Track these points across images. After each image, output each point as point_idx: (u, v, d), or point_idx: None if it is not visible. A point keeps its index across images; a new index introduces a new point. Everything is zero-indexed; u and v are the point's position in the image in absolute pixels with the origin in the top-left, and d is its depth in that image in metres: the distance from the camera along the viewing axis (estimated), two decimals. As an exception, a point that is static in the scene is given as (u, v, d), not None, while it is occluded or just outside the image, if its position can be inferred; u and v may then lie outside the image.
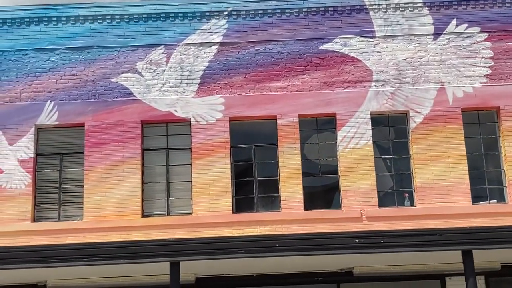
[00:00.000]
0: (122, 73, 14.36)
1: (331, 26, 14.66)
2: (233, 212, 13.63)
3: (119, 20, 14.68)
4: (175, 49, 14.51)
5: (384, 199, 13.88)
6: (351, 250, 11.29)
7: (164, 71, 14.40)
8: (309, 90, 14.28)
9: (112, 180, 13.70)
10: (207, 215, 13.50)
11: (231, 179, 13.82)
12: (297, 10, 14.74)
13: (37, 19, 14.60)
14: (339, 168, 13.92)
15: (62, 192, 13.87)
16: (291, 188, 13.73)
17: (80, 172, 13.92)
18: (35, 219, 13.61)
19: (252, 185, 14.00)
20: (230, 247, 11.61)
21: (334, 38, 14.56)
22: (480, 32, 14.53)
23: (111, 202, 13.56)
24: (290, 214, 13.53)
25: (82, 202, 13.71)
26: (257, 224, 13.43)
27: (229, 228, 13.36)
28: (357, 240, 11.20)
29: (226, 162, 13.85)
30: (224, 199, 13.63)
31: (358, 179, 13.71)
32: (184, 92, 14.27)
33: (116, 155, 13.85)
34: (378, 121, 14.27)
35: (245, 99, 14.22)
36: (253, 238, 12.11)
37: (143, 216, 13.60)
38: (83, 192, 13.76)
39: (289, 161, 13.88)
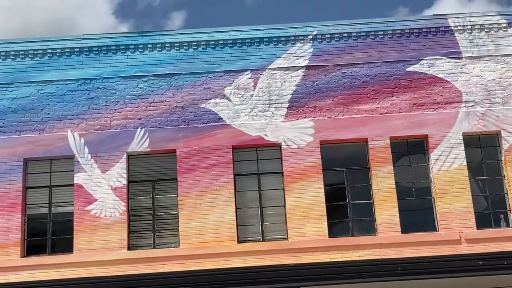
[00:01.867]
0: (210, 99, 14.37)
1: (417, 47, 14.66)
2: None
3: (205, 46, 14.72)
4: (262, 74, 14.52)
5: (478, 221, 13.72)
6: (475, 273, 11.17)
7: (252, 95, 14.40)
8: (399, 112, 14.23)
9: (206, 206, 13.62)
10: (304, 240, 13.39)
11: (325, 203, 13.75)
12: (381, 32, 14.75)
13: (123, 47, 14.65)
14: (433, 190, 13.82)
15: (156, 219, 13.81)
16: (387, 211, 13.63)
17: (173, 199, 13.86)
18: (130, 247, 13.53)
19: (343, 208, 13.91)
20: (349, 272, 11.64)
21: (421, 59, 14.55)
22: None
23: (207, 228, 13.48)
24: (388, 238, 13.40)
25: (177, 229, 13.64)
26: (355, 249, 13.32)
27: (327, 253, 13.25)
28: (480, 262, 11.07)
29: (319, 186, 13.77)
30: (320, 223, 13.53)
31: (454, 201, 13.59)
32: (273, 116, 14.25)
33: (209, 180, 13.78)
34: (469, 142, 14.19)
35: (335, 122, 14.18)
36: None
37: (238, 242, 13.51)
38: (177, 218, 13.69)
39: (383, 184, 13.79)
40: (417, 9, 40.29)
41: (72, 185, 13.85)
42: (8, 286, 12.83)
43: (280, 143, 14.10)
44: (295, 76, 14.54)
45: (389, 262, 13.02)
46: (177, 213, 13.70)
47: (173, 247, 13.55)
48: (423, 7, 40.58)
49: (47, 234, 13.66)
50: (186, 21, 39.42)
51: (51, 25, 37.91)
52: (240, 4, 38.95)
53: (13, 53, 14.48)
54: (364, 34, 14.77)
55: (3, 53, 14.46)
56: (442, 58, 14.55)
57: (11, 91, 14.31)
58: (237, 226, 13.61)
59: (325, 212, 13.63)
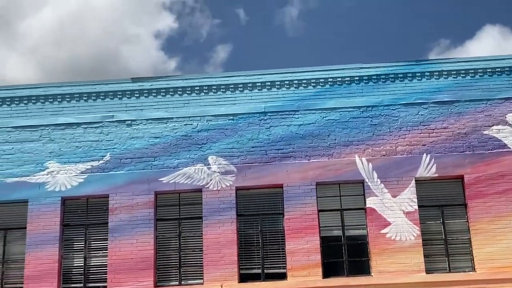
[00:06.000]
0: (492, 125, 14.59)
1: None
2: None
3: (482, 74, 14.99)
4: (542, 101, 14.65)
5: None
6: None
7: (533, 123, 14.54)
8: None
9: (500, 232, 13.80)
10: None
11: None
12: None
13: (401, 75, 15.12)
14: None
15: (448, 244, 14.07)
16: None
17: (463, 224, 14.11)
18: (426, 271, 13.83)
19: None
20: None
21: None
22: None
23: (502, 253, 13.64)
24: None
25: (469, 253, 13.87)
26: None
27: None
28: None
29: None
30: None
31: None
32: (559, 143, 14.32)
33: (500, 206, 13.98)
34: None
35: None
36: None
37: (536, 268, 13.59)
38: (468, 243, 13.93)
39: None
40: (458, 40, 39.61)
41: (362, 208, 14.37)
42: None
43: None
44: None
45: None
46: (469, 238, 13.94)
47: (467, 271, 13.77)
48: (464, 38, 39.89)
49: (343, 256, 14.18)
50: (231, 54, 40.23)
51: (98, 58, 39.60)
52: (282, 36, 39.34)
53: (296, 81, 15.25)
54: None
55: (287, 82, 15.24)
56: None
57: (297, 118, 15.03)
58: (532, 252, 13.70)
59: None
